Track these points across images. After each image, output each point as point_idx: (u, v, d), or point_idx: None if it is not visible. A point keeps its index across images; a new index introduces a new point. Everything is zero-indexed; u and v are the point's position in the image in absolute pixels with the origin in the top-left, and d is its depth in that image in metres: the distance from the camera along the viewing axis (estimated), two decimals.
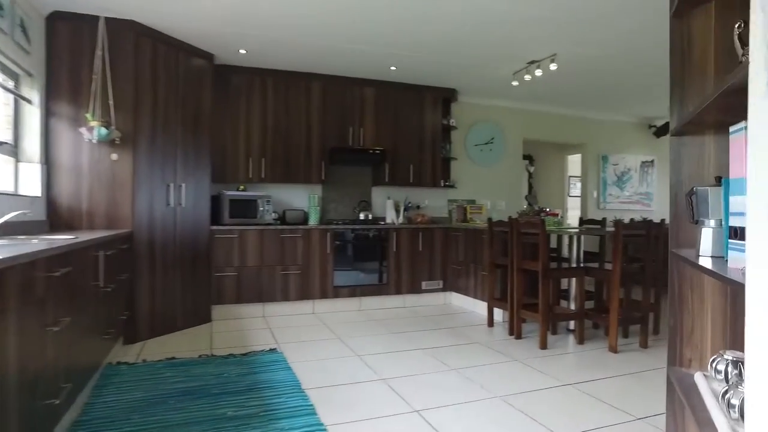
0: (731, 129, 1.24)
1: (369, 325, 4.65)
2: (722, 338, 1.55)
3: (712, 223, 1.46)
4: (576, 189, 10.99)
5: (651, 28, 3.89)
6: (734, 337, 1.50)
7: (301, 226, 5.09)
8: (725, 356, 1.37)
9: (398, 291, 5.45)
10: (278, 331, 4.37)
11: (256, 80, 5.16)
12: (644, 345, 3.88)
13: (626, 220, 7.66)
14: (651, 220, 3.89)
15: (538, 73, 4.92)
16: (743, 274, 0.88)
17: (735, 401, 1.12)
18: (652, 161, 8.04)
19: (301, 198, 5.61)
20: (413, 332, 4.35)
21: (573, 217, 10.09)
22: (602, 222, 5.02)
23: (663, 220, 3.96)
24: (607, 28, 4.02)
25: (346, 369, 3.31)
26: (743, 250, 1.00)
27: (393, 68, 5.19)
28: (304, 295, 5.08)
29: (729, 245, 1.25)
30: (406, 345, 3.92)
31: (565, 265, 4.51)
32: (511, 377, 3.17)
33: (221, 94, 4.99)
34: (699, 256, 1.48)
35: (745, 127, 0.94)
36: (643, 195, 7.95)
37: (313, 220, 5.33)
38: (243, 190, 5.15)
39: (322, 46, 4.53)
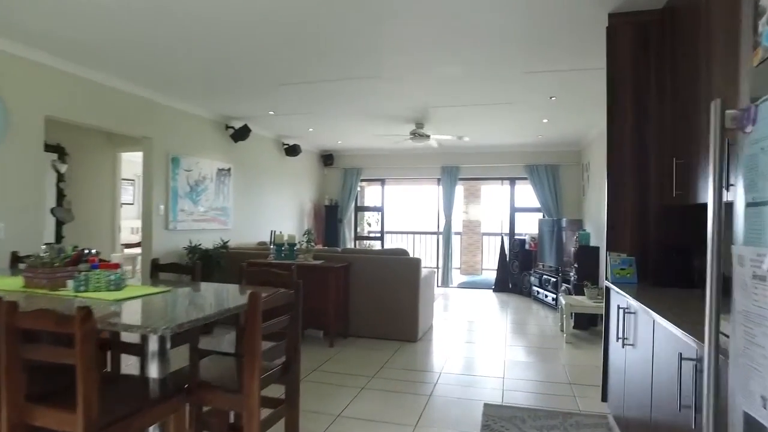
0: None
1: None
2: None
3: None
4: (128, 194, 8.55)
5: None
6: None
7: None
8: None
9: None
10: None
11: None
12: None
13: (205, 245, 5.92)
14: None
15: None
16: None
17: None
18: (229, 169, 6.59)
19: None
20: None
21: (127, 239, 7.67)
22: (193, 267, 3.05)
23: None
24: None
25: None
26: None
27: None
28: None
29: None
30: None
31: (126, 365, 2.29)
32: None
33: None
34: None
35: None
36: (220, 210, 6.39)
37: None
38: None
39: None
